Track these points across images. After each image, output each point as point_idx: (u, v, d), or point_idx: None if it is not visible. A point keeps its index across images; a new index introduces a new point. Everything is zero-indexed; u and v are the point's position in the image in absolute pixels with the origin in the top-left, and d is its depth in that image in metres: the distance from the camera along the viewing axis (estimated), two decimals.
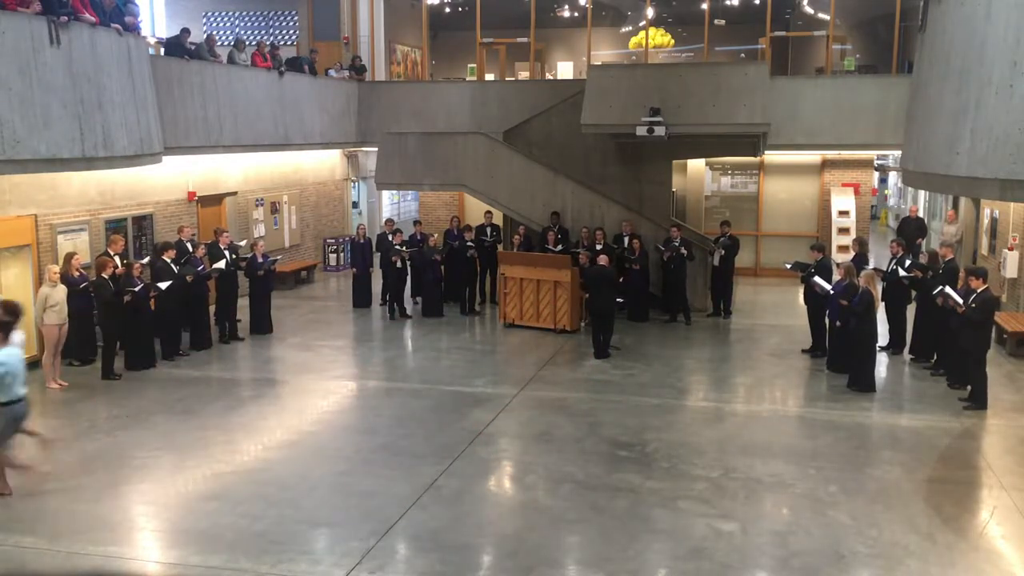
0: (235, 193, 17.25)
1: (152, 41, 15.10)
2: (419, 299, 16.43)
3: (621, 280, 14.34)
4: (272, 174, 18.57)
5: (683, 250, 15.01)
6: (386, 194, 23.31)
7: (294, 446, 9.52)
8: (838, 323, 11.69)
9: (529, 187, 16.39)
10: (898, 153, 16.43)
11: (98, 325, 12.28)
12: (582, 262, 13.95)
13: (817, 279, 12.36)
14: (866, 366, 11.30)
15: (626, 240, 15.20)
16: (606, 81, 16.20)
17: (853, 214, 19.43)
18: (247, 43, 17.20)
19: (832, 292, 11.84)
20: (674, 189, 19.10)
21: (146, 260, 13.22)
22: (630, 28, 27.83)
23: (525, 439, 9.68)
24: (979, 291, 10.32)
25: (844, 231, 19.16)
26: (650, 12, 22.55)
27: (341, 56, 20.91)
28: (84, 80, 10.98)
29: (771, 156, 19.46)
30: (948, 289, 10.71)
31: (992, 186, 8.43)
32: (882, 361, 12.46)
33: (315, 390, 11.52)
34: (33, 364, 11.94)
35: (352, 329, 15.13)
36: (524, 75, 23.37)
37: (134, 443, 9.44)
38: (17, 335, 8.16)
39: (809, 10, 24.99)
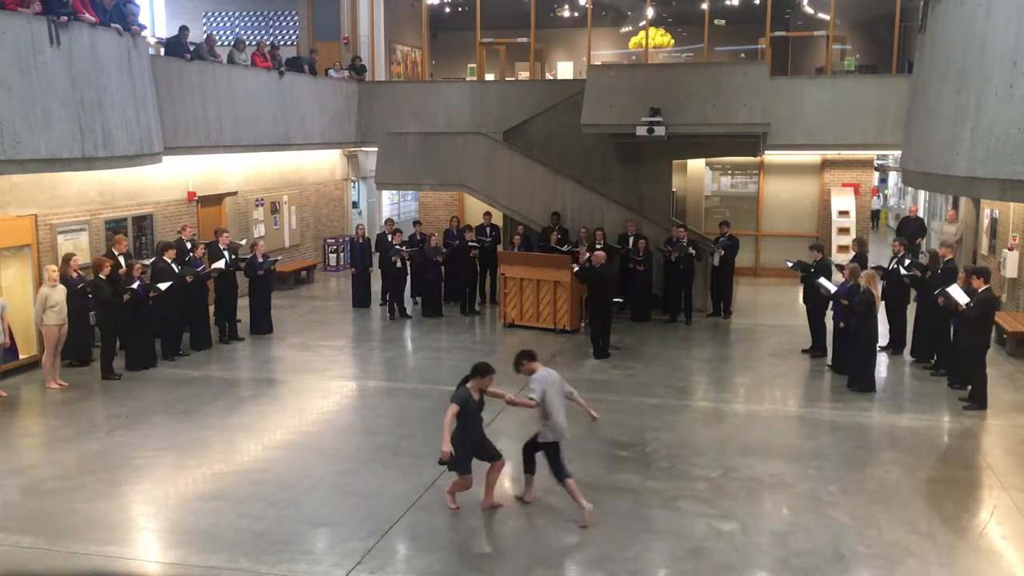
0: (235, 193, 17.25)
1: (152, 41, 15.09)
2: (419, 299, 16.43)
3: (623, 279, 14.35)
4: (272, 174, 18.56)
5: (691, 250, 15.02)
6: (386, 194, 23.31)
7: (294, 446, 9.53)
8: (841, 324, 11.68)
9: (529, 187, 16.39)
10: (898, 153, 16.43)
11: (96, 325, 12.29)
12: (581, 260, 13.94)
13: (821, 280, 12.37)
14: (866, 366, 11.29)
15: (631, 240, 15.18)
16: (606, 81, 16.20)
17: (853, 214, 19.44)
18: (247, 43, 17.19)
19: (835, 293, 11.84)
20: (674, 189, 19.10)
21: (148, 261, 13.22)
22: (630, 28, 27.83)
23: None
24: (980, 291, 10.32)
25: (844, 231, 19.16)
26: (650, 12, 22.55)
27: (341, 56, 20.91)
28: (84, 80, 10.97)
29: (771, 156, 19.46)
30: (949, 289, 10.70)
31: (992, 186, 8.42)
32: (882, 361, 12.46)
33: (315, 390, 11.52)
34: (33, 364, 11.98)
35: (352, 329, 15.13)
36: (524, 75, 23.37)
37: (134, 443, 9.44)
38: None
39: (809, 10, 24.99)
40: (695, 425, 10.17)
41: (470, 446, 7.62)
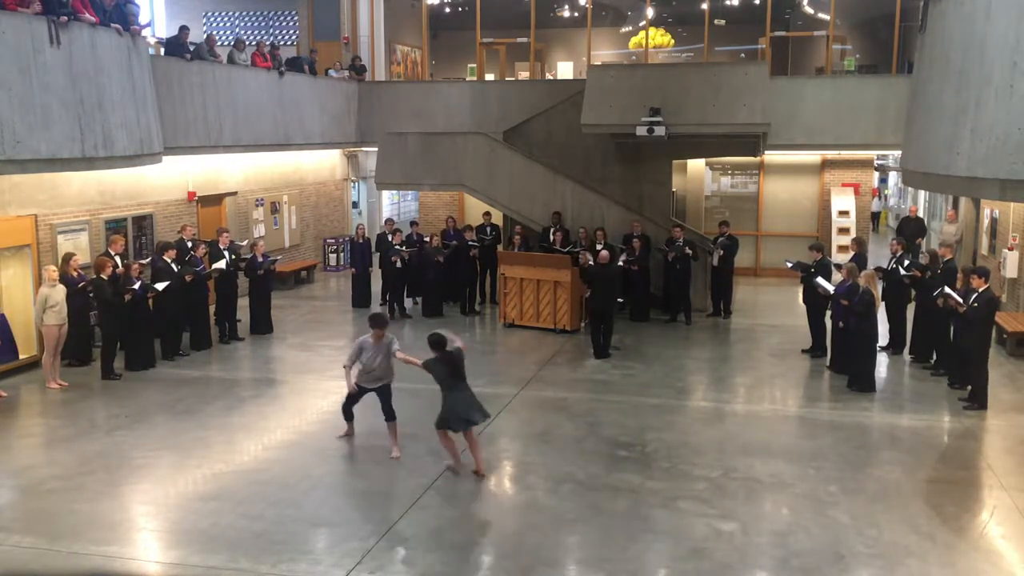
0: (235, 193, 17.25)
1: (152, 41, 15.10)
2: (418, 299, 16.43)
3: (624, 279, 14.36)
4: (272, 174, 18.56)
5: (687, 250, 15.01)
6: (386, 194, 23.29)
7: (294, 446, 9.53)
8: (840, 324, 11.68)
9: (529, 187, 16.39)
10: (898, 153, 16.43)
11: (97, 325, 12.28)
12: (583, 263, 13.95)
13: (820, 280, 12.37)
14: (866, 366, 11.29)
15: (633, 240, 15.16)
16: (606, 81, 16.20)
17: (853, 214, 19.44)
18: (247, 43, 17.19)
19: (834, 293, 11.84)
20: (674, 189, 19.10)
21: (147, 260, 13.22)
22: (630, 28, 27.84)
23: (525, 439, 9.68)
24: (980, 290, 10.32)
25: (844, 231, 19.16)
26: (650, 12, 22.55)
27: (341, 56, 20.91)
28: (84, 80, 10.97)
29: (771, 156, 19.46)
30: (948, 289, 10.71)
31: (992, 186, 8.43)
32: (882, 361, 12.46)
33: (315, 390, 11.52)
34: (33, 364, 11.98)
35: (352, 329, 15.12)
36: (524, 75, 23.38)
37: (134, 443, 9.44)
38: None
39: (809, 10, 24.99)
40: (695, 425, 10.17)
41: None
